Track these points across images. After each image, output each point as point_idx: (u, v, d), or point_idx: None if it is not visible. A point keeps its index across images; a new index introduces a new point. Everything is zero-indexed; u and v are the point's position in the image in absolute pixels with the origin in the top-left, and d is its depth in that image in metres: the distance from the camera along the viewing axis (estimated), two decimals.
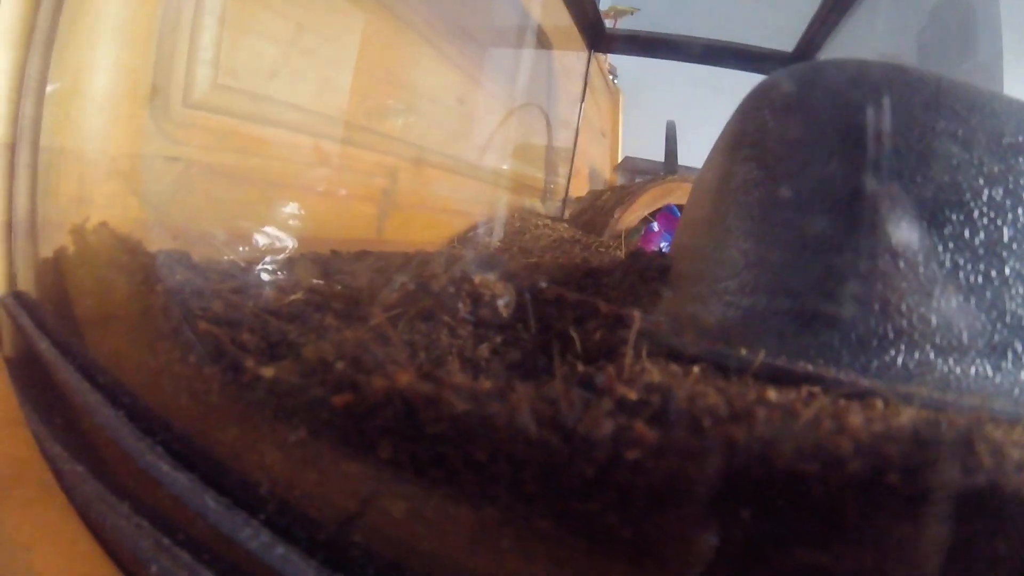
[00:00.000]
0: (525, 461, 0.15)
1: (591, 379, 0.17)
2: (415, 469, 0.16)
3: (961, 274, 0.26)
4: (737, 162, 0.29)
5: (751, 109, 0.31)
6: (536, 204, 1.44)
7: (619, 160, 2.15)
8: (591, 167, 1.90)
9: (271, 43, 0.58)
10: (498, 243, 1.02)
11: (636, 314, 0.24)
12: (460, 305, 0.25)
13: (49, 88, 0.39)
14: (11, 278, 0.38)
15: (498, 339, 0.27)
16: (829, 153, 0.26)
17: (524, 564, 0.15)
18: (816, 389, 0.20)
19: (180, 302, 0.25)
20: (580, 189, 1.64)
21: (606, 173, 2.08)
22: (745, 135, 0.30)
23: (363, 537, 0.17)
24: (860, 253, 0.25)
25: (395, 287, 0.26)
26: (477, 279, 0.26)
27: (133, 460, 0.22)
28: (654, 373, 0.19)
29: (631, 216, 1.14)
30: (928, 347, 0.25)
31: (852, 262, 0.25)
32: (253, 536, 0.17)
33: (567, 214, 1.46)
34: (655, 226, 1.15)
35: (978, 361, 0.26)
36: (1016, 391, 0.26)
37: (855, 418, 0.14)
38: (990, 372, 0.26)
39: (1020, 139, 0.27)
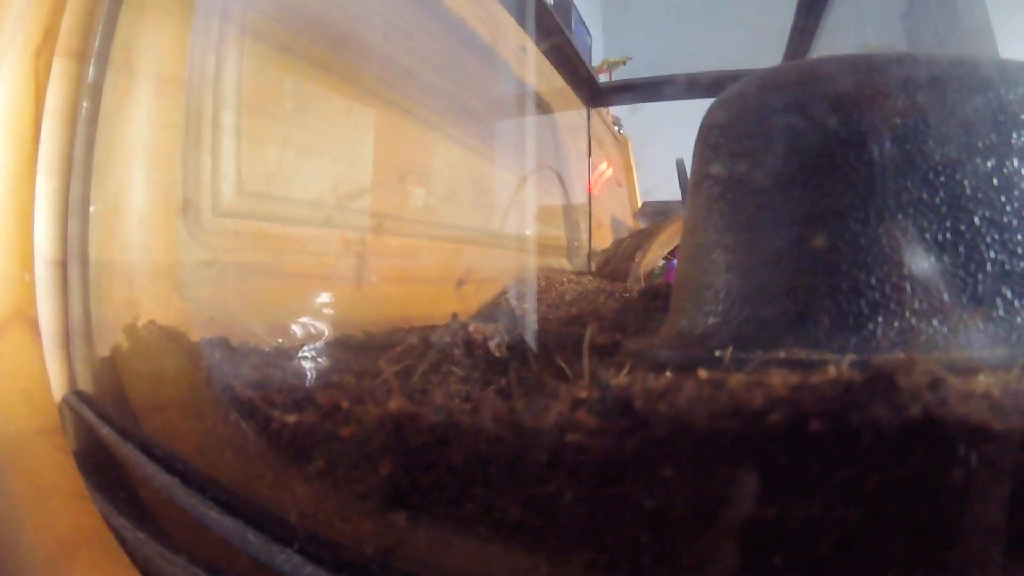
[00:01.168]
0: (490, 457, 0.17)
1: (556, 390, 0.19)
2: (410, 479, 0.19)
3: (928, 235, 0.27)
4: (700, 181, 0.32)
5: (704, 130, 0.34)
6: (563, 262, 1.47)
7: (639, 206, 2.19)
8: (612, 217, 1.94)
9: (286, 149, 0.63)
10: (525, 304, 1.04)
11: (588, 329, 0.26)
12: (456, 351, 0.28)
13: (91, 209, 0.45)
14: (72, 378, 0.43)
15: (499, 378, 0.30)
16: (768, 157, 0.29)
17: (504, 552, 0.17)
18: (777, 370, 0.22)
19: (220, 374, 0.28)
20: (605, 240, 1.67)
21: (628, 221, 2.11)
22: (703, 155, 0.33)
23: (378, 552, 0.19)
24: (820, 238, 0.27)
25: (402, 344, 0.29)
26: (472, 327, 0.29)
27: (187, 514, 0.25)
28: (621, 379, 0.22)
29: (651, 257, 1.17)
30: (907, 314, 0.26)
31: (814, 248, 0.27)
32: (286, 561, 0.19)
33: (593, 267, 1.49)
34: (676, 263, 1.17)
35: (965, 316, 0.27)
36: (1013, 337, 0.26)
37: (775, 378, 0.16)
38: (981, 324, 0.27)
39: (957, 91, 0.28)
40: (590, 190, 1.51)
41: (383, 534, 0.19)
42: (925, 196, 0.28)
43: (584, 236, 1.58)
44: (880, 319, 0.27)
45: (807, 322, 0.27)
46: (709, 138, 0.33)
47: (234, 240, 0.58)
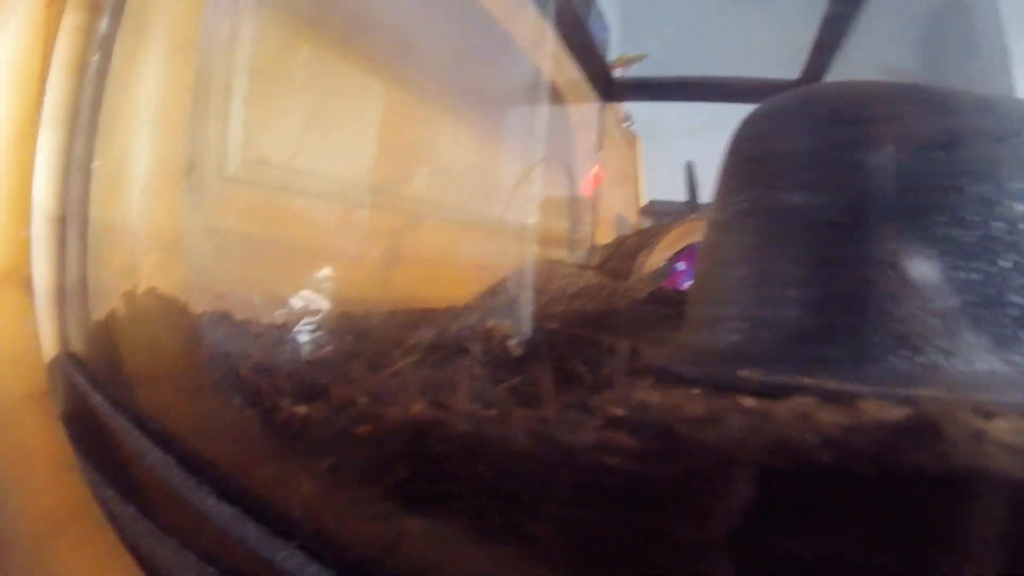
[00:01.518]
0: (520, 473, 0.16)
1: (585, 402, 0.18)
2: (428, 487, 0.18)
3: (958, 273, 0.27)
4: (729, 194, 0.31)
5: (737, 142, 0.33)
6: (564, 254, 1.46)
7: (644, 204, 2.18)
8: (616, 214, 1.92)
9: (295, 119, 0.62)
10: (526, 294, 1.03)
11: (623, 344, 0.25)
12: (472, 348, 0.27)
13: (94, 166, 0.43)
14: (64, 340, 0.41)
15: (513, 377, 0.29)
16: (804, 177, 0.28)
17: (524, 570, 0.17)
18: (808, 399, 0.21)
19: (224, 354, 0.27)
20: (608, 236, 1.66)
21: (632, 218, 2.10)
22: (734, 167, 0.32)
23: (384, 554, 0.18)
24: (849, 266, 0.26)
25: (416, 336, 0.28)
26: (489, 324, 0.28)
27: (181, 497, 0.24)
28: (652, 396, 0.21)
29: (655, 258, 1.16)
30: (930, 349, 0.26)
31: (841, 277, 0.26)
32: (288, 558, 0.18)
33: (594, 262, 1.48)
34: (680, 266, 1.16)
35: (985, 356, 0.26)
36: None
37: (825, 415, 0.15)
38: (1000, 367, 0.26)
39: (993, 132, 0.28)
40: (589, 194, 1.50)
41: (395, 539, 0.18)
42: (956, 234, 0.27)
43: (587, 230, 1.57)
44: (904, 352, 0.26)
45: (833, 349, 0.26)
46: (742, 150, 0.32)
47: (238, 208, 0.57)
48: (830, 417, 0.16)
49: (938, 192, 0.27)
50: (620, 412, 0.17)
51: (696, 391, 0.23)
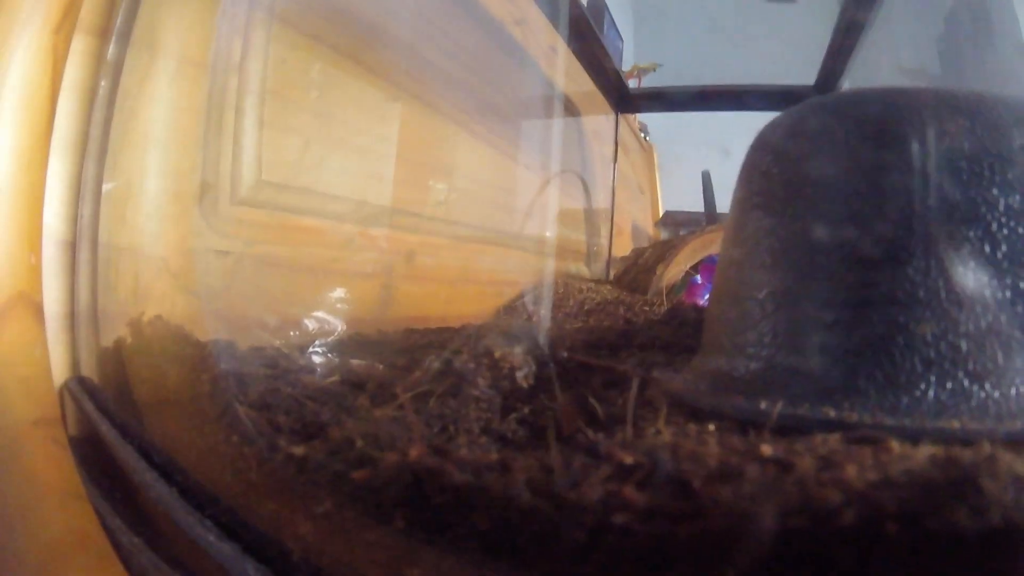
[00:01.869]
0: (522, 528, 0.15)
1: (595, 446, 0.17)
2: (426, 539, 0.17)
3: (988, 292, 0.25)
4: (747, 211, 0.30)
5: (754, 155, 0.31)
6: (581, 268, 1.45)
7: (660, 215, 2.16)
8: (633, 225, 1.91)
9: (309, 140, 0.62)
10: (543, 310, 1.02)
11: (636, 379, 0.24)
12: (480, 380, 0.26)
13: (105, 189, 0.43)
14: (75, 364, 0.41)
15: (524, 409, 0.28)
16: (833, 191, 0.26)
17: None
18: (834, 436, 0.20)
19: (224, 389, 0.27)
20: (625, 248, 1.65)
21: (649, 229, 2.08)
22: (751, 182, 0.31)
23: None
24: (876, 288, 0.25)
25: (422, 367, 0.27)
26: (497, 353, 0.27)
27: (184, 532, 0.23)
28: (663, 434, 0.20)
29: (674, 271, 1.14)
30: (960, 374, 0.24)
31: (866, 299, 0.25)
32: None
33: (611, 275, 1.47)
34: (698, 279, 1.15)
35: (1018, 381, 0.25)
36: None
37: (851, 467, 0.14)
38: None
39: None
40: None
41: None
42: (989, 250, 0.26)
43: (604, 242, 1.56)
44: (933, 379, 0.25)
45: (858, 377, 0.25)
46: (761, 163, 0.30)
47: (252, 230, 0.57)
48: (857, 468, 0.14)
49: (974, 209, 0.26)
50: (630, 460, 0.16)
51: (712, 428, 0.22)
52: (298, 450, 0.21)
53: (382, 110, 0.76)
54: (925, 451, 0.17)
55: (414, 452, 0.17)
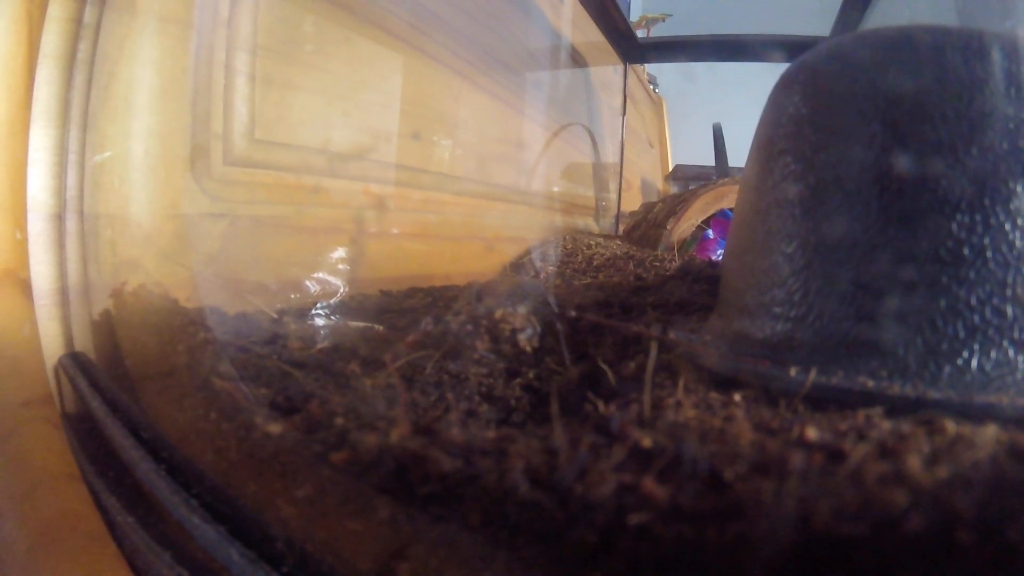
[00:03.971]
0: (520, 526, 0.13)
1: (606, 423, 0.15)
2: (413, 529, 0.15)
3: None
4: (773, 157, 0.27)
5: (781, 96, 0.28)
6: (589, 223, 1.42)
7: (670, 169, 2.11)
8: (642, 179, 1.87)
9: (304, 94, 0.59)
10: (550, 266, 1.00)
11: (654, 341, 0.22)
12: (479, 343, 0.24)
13: (92, 159, 0.41)
14: (69, 340, 0.40)
15: (529, 374, 0.26)
16: (868, 135, 0.23)
17: None
18: (876, 411, 0.17)
19: (203, 359, 0.25)
20: (634, 203, 1.61)
21: (658, 184, 2.04)
22: (778, 126, 0.27)
23: None
24: (917, 243, 0.22)
25: (417, 331, 0.25)
26: (498, 313, 0.24)
27: (170, 512, 0.22)
28: (685, 409, 0.17)
29: (684, 225, 1.11)
30: (1006, 343, 0.22)
31: (908, 254, 0.22)
32: None
33: (621, 230, 1.44)
34: (710, 233, 1.11)
35: None
36: None
37: (913, 458, 0.12)
38: None
39: None
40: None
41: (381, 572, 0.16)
42: None
43: (613, 197, 1.52)
44: (976, 347, 0.22)
45: (897, 342, 0.22)
46: (790, 103, 0.27)
47: (247, 190, 0.55)
48: (918, 459, 0.12)
49: (1015, 156, 0.23)
50: (648, 442, 0.14)
51: (738, 399, 0.19)
52: (275, 428, 0.19)
53: (381, 63, 0.73)
54: (985, 434, 0.14)
55: (397, 432, 0.15)
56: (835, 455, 0.13)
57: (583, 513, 0.12)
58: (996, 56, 0.24)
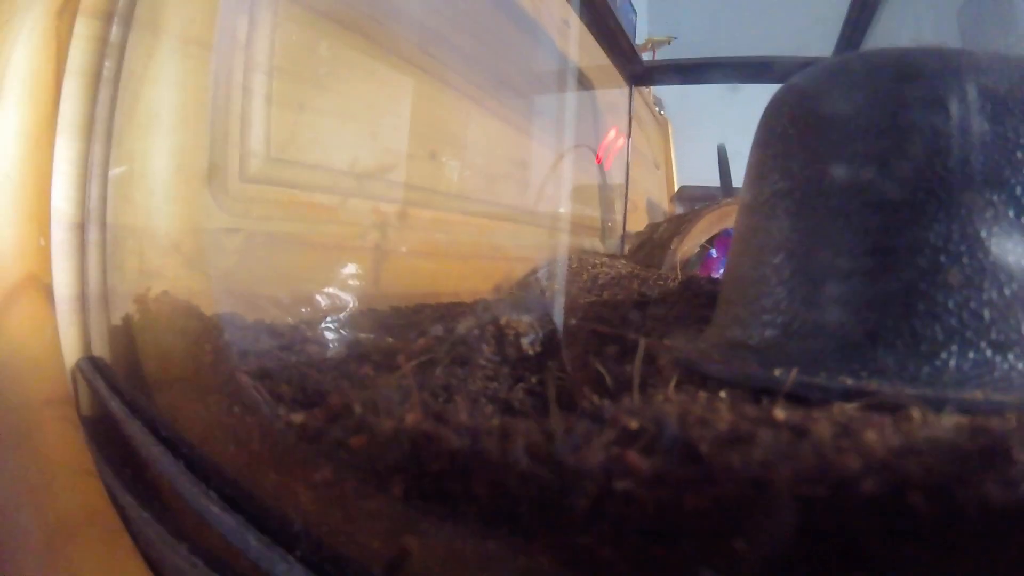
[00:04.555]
0: (521, 495, 0.15)
1: (599, 411, 0.16)
2: (424, 506, 0.16)
3: (1013, 259, 0.24)
4: (763, 175, 0.29)
5: (770, 117, 0.30)
6: (595, 243, 1.44)
7: (676, 190, 2.13)
8: (648, 200, 1.89)
9: (318, 115, 0.61)
10: (556, 285, 1.02)
11: (642, 342, 0.23)
12: (485, 347, 0.25)
13: (113, 172, 0.43)
14: (86, 344, 0.42)
15: (532, 379, 0.27)
16: (848, 154, 0.25)
17: None
18: (850, 406, 0.19)
19: (227, 359, 0.26)
20: (639, 223, 1.63)
21: (664, 204, 2.06)
22: (767, 146, 0.29)
23: (384, 572, 0.17)
24: (895, 253, 0.24)
25: (427, 336, 0.27)
26: (503, 320, 0.26)
27: (189, 504, 0.23)
28: (672, 402, 0.19)
29: (689, 245, 1.12)
30: (983, 344, 0.23)
31: (886, 263, 0.24)
32: (287, 571, 0.17)
33: (626, 250, 1.45)
34: (714, 252, 1.13)
35: None
36: None
37: (871, 432, 0.13)
38: None
39: None
40: (599, 160, 1.45)
41: (394, 558, 0.17)
42: (1013, 215, 0.24)
43: (619, 218, 1.54)
44: (955, 348, 0.23)
45: (877, 345, 0.24)
46: (778, 124, 0.29)
47: (261, 207, 0.57)
48: (877, 434, 0.14)
49: (1000, 171, 0.24)
50: (635, 424, 0.15)
51: (724, 395, 0.21)
52: (297, 417, 0.20)
53: (393, 86, 0.75)
54: (949, 419, 0.16)
55: (411, 417, 0.17)
56: (801, 432, 0.14)
57: (575, 482, 0.14)
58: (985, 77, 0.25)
